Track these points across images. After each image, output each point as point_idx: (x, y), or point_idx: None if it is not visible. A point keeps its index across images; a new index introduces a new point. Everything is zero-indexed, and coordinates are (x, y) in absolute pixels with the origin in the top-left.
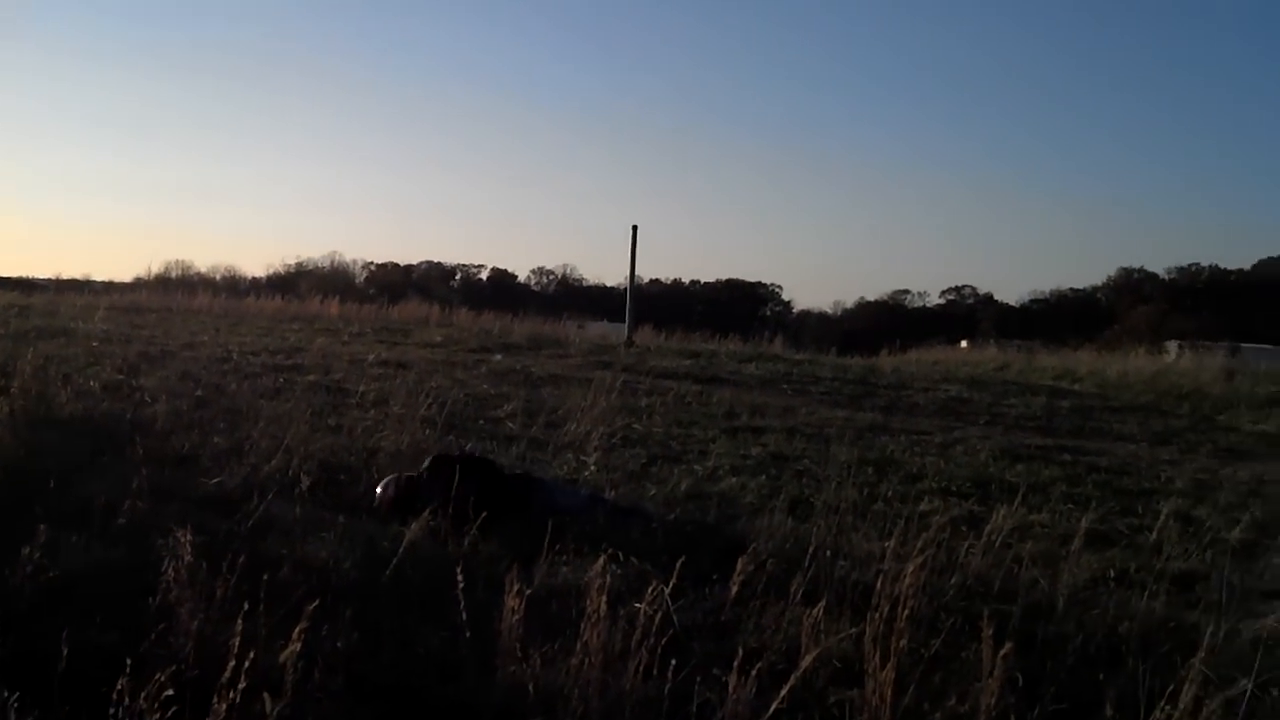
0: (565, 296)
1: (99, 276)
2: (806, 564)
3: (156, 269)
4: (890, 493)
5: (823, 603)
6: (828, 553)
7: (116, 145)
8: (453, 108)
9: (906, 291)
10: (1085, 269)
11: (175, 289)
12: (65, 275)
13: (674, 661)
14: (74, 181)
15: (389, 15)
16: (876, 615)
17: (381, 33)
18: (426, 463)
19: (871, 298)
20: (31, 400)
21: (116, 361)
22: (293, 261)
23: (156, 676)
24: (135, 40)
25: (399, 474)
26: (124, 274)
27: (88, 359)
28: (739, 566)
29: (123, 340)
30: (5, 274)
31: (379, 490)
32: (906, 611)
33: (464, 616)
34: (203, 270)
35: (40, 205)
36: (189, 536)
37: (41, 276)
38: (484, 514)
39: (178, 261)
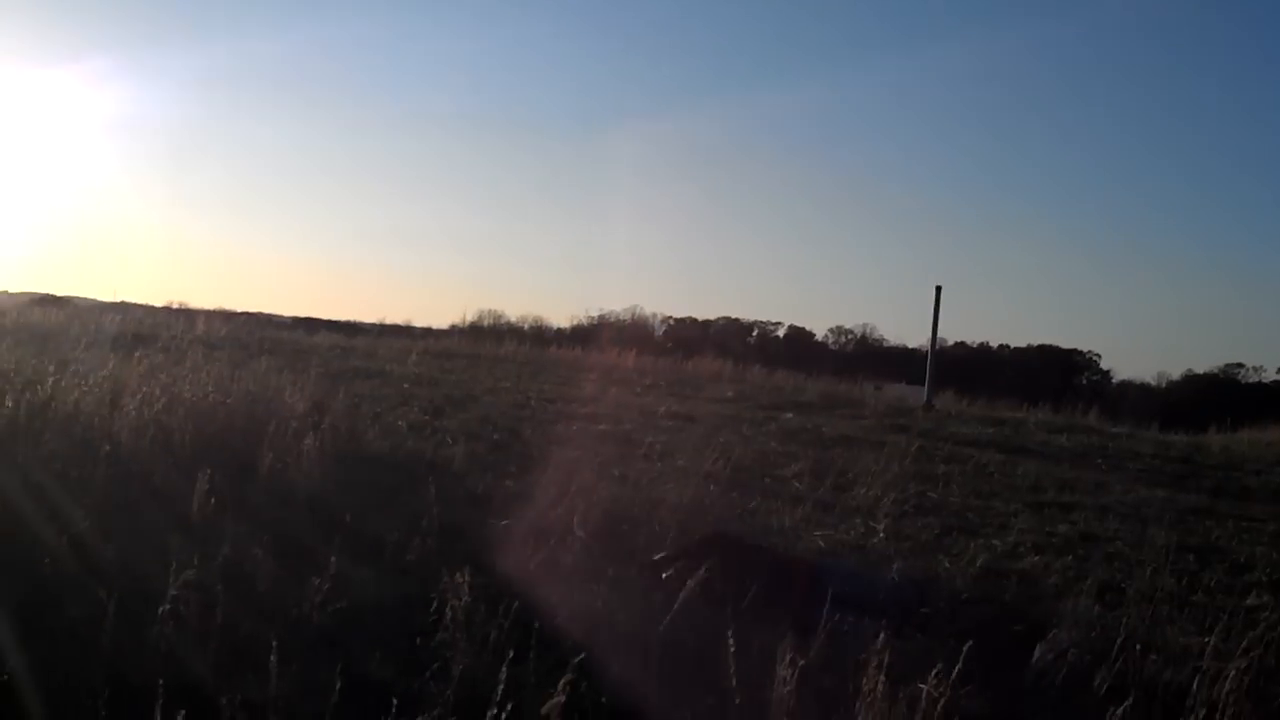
0: (863, 356)
1: (419, 322)
2: (1113, 656)
3: (470, 317)
4: (1213, 583)
5: (1129, 701)
6: (1138, 646)
7: (447, 201)
8: (758, 167)
9: (1240, 365)
10: None
11: (485, 336)
12: (388, 320)
13: None
14: (405, 232)
15: (711, 81)
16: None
17: (695, 93)
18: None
19: (1200, 370)
20: (341, 437)
21: (423, 403)
22: (595, 313)
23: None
24: (470, 110)
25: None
26: (441, 321)
27: (398, 399)
28: (1037, 653)
29: (431, 383)
30: (333, 317)
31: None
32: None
33: (734, 682)
34: (512, 320)
35: (371, 253)
36: (468, 577)
37: (367, 320)
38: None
39: (490, 311)
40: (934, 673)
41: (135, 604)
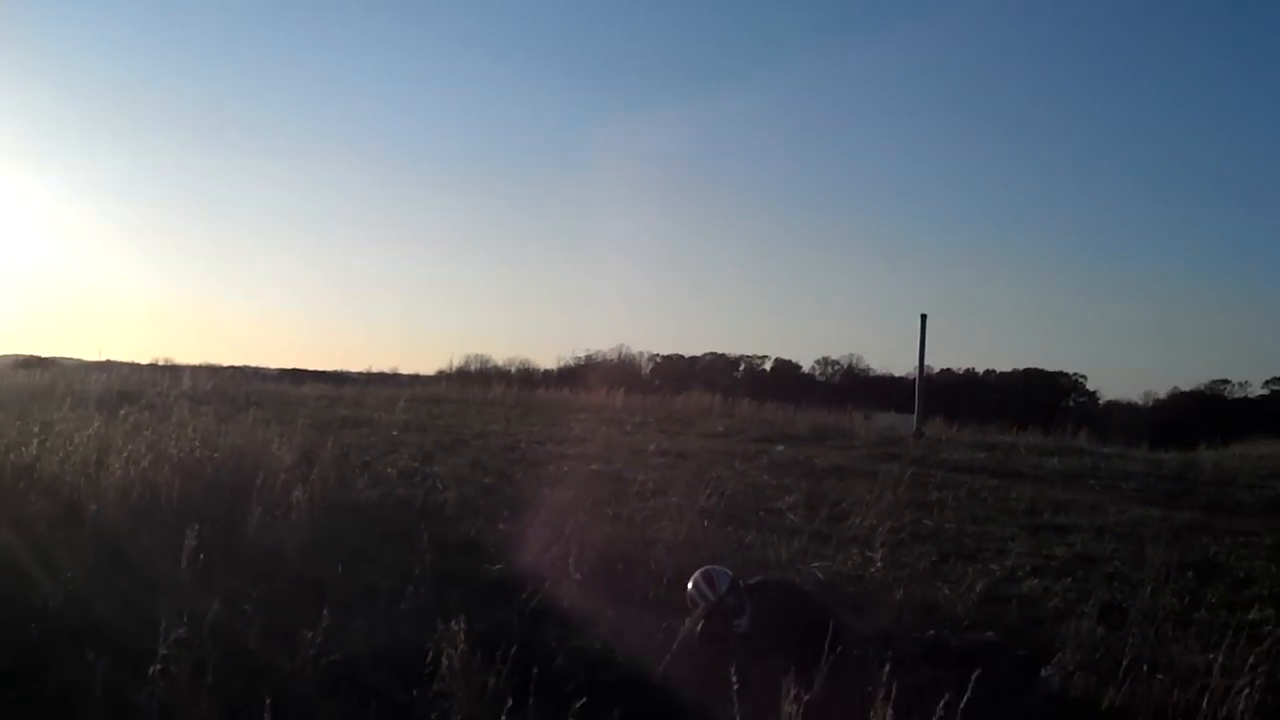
0: (851, 387)
1: (405, 370)
2: (1120, 677)
3: (457, 362)
4: (1214, 600)
5: None
6: (1144, 666)
7: (425, 248)
8: (735, 202)
9: (1226, 381)
10: None
11: (473, 381)
12: (375, 369)
13: None
14: (385, 282)
15: (688, 118)
16: None
17: (672, 131)
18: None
19: (1186, 388)
20: (330, 487)
21: (413, 449)
22: (582, 354)
23: None
24: (443, 157)
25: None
26: (428, 367)
27: (387, 447)
28: (1043, 676)
29: (420, 429)
30: (320, 367)
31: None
32: None
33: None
34: (499, 363)
35: (354, 303)
36: (463, 625)
37: (353, 370)
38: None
39: (476, 355)
40: (942, 703)
41: (125, 665)
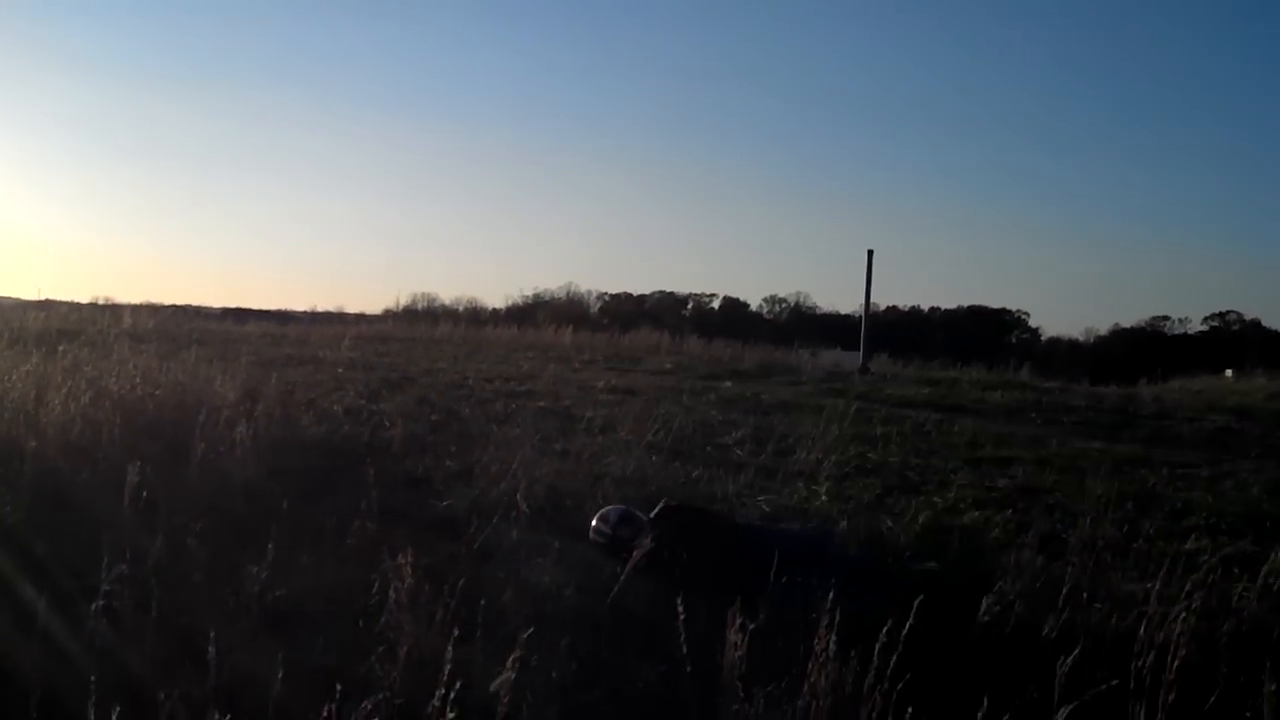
0: (798, 324)
1: (351, 309)
2: (1060, 606)
3: (404, 301)
4: (1152, 530)
5: (1078, 649)
6: (1084, 594)
7: (375, 190)
8: (683, 136)
9: (1166, 318)
10: None
11: (420, 320)
12: (320, 308)
13: (910, 708)
14: (331, 221)
15: (633, 56)
16: (1141, 664)
17: (617, 69)
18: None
19: (1127, 324)
20: (275, 424)
21: (359, 387)
22: (530, 293)
23: (363, 704)
24: (384, 102)
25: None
26: (374, 307)
27: (332, 384)
28: (984, 606)
29: (366, 367)
30: (264, 306)
31: (597, 526)
32: (1177, 662)
33: (684, 650)
34: (446, 302)
35: (297, 243)
36: (410, 559)
37: (298, 309)
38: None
39: (424, 294)
40: (884, 630)
41: (67, 601)
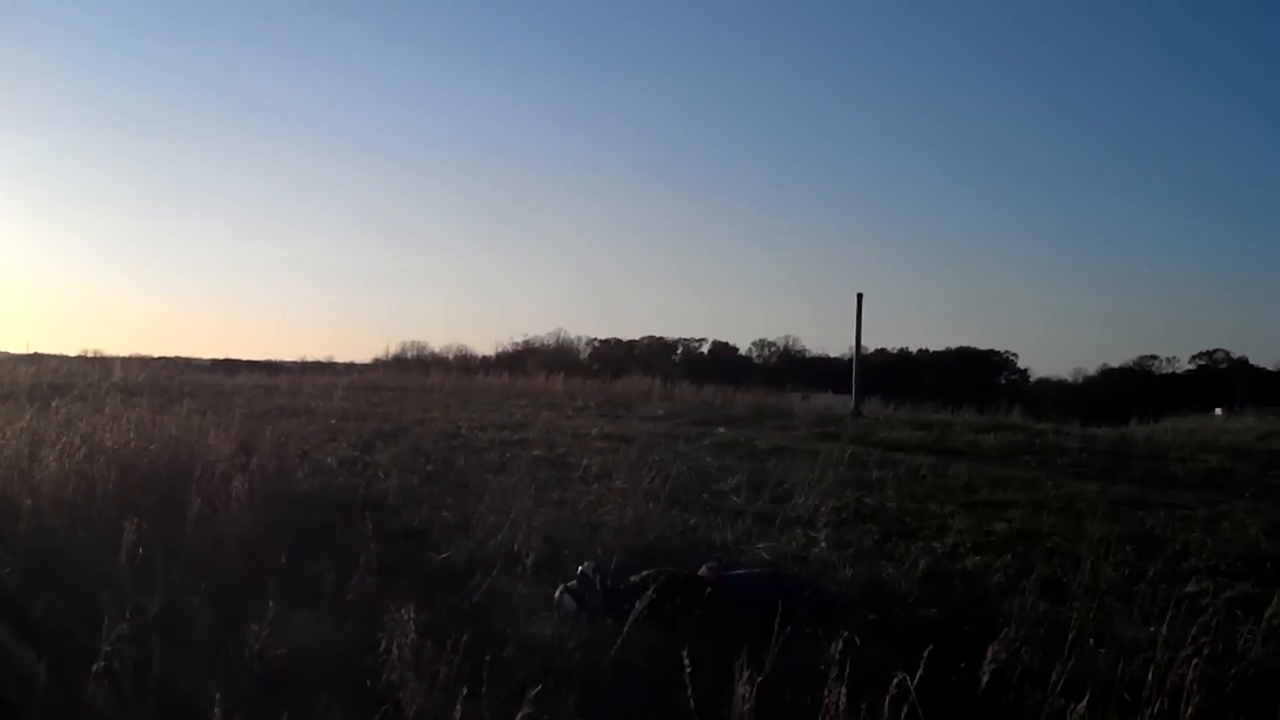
0: (788, 368)
1: (341, 358)
2: (1066, 652)
3: (394, 350)
4: (1153, 573)
5: (1087, 696)
6: (1090, 640)
7: (363, 239)
8: (671, 186)
9: (1154, 357)
10: None
11: (410, 368)
12: (310, 358)
13: None
14: (321, 269)
15: (617, 103)
16: (1151, 711)
17: (603, 116)
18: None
19: (1115, 364)
20: (270, 477)
21: (352, 438)
22: (520, 339)
23: None
24: (375, 146)
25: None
26: (364, 356)
27: (326, 436)
28: (990, 653)
29: (359, 417)
30: (255, 357)
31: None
32: (1190, 709)
33: (691, 704)
34: (436, 350)
35: (287, 292)
36: (412, 614)
37: (288, 359)
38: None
39: (413, 343)
40: (895, 681)
41: (67, 663)
